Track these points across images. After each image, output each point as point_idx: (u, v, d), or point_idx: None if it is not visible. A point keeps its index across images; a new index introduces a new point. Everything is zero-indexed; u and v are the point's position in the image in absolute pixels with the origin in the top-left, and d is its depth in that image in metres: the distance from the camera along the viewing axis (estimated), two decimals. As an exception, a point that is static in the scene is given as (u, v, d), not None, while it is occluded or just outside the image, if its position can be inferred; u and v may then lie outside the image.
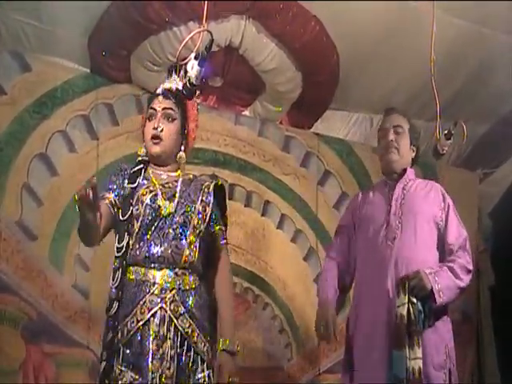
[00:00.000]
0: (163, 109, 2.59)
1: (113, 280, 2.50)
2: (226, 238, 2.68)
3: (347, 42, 4.42)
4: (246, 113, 4.83)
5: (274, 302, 4.71)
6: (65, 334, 3.96)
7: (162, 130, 2.57)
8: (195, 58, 2.64)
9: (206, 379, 2.48)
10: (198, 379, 2.46)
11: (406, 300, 2.86)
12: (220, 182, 2.72)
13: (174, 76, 2.65)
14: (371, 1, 4.03)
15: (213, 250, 2.65)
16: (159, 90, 2.64)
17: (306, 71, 4.55)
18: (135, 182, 2.55)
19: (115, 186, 2.58)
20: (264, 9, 4.13)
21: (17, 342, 3.83)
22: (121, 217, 2.51)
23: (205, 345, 2.48)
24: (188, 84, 2.62)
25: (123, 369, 2.39)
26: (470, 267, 3.03)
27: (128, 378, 2.38)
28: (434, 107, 3.37)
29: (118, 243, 2.50)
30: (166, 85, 2.65)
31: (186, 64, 2.68)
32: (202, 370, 2.47)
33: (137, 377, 2.38)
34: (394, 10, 4.18)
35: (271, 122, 4.89)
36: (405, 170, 3.16)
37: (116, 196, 2.56)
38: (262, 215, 4.77)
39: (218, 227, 2.64)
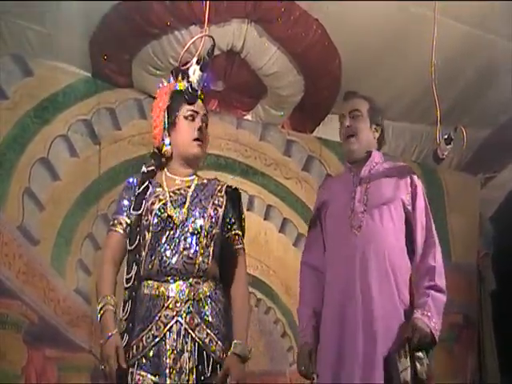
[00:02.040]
0: (203, 115, 2.58)
1: (123, 311, 2.42)
2: (242, 243, 2.61)
3: (349, 46, 4.42)
4: (248, 117, 4.83)
5: (276, 306, 4.71)
6: (67, 338, 3.96)
7: (203, 134, 2.57)
8: (197, 62, 2.63)
9: None
10: None
11: (409, 363, 2.65)
12: (234, 186, 2.65)
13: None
14: (374, 1, 4.02)
15: (229, 256, 2.57)
16: (192, 98, 2.58)
17: (308, 75, 4.55)
18: (140, 208, 2.47)
19: (126, 206, 2.51)
20: (266, 13, 4.13)
21: (19, 347, 3.84)
22: (128, 246, 2.46)
23: (224, 352, 2.43)
24: (190, 89, 2.61)
25: (143, 373, 2.36)
26: (440, 258, 2.84)
27: (148, 381, 2.35)
28: (436, 112, 3.36)
29: (127, 273, 2.44)
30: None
31: (187, 69, 2.67)
32: None
33: (157, 380, 2.35)
34: (397, 14, 4.18)
35: (273, 126, 4.89)
36: (370, 154, 2.96)
37: (128, 217, 2.50)
38: (264, 219, 4.78)
39: (233, 232, 2.58)
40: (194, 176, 2.59)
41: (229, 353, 2.43)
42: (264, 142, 4.83)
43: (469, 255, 5.56)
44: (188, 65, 2.66)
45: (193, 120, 2.56)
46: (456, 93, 4.72)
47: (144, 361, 2.37)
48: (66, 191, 4.07)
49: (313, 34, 4.29)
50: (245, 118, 4.81)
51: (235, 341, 2.45)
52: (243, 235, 2.63)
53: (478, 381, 5.42)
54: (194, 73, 2.62)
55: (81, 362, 3.96)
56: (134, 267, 2.43)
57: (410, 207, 2.88)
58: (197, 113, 2.56)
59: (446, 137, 3.18)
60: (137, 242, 2.44)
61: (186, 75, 2.62)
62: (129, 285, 2.42)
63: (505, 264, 5.36)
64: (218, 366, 2.40)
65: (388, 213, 2.84)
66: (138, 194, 2.51)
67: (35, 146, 4.04)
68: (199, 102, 2.58)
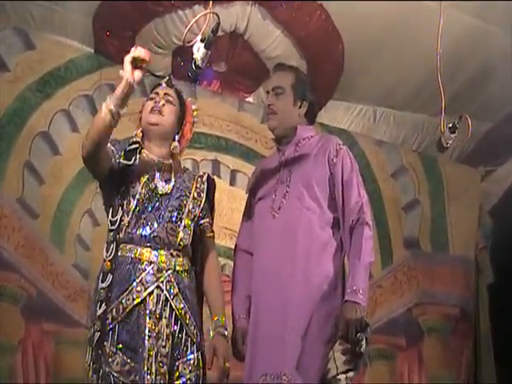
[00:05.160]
0: (165, 94, 2.68)
1: (107, 252, 2.48)
2: (212, 231, 2.72)
3: (353, 33, 4.42)
4: (250, 99, 4.84)
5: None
6: (64, 312, 3.97)
7: (163, 105, 2.64)
8: (201, 40, 2.63)
9: (197, 361, 2.49)
10: (189, 360, 2.48)
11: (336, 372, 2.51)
12: (212, 177, 2.76)
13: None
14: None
15: (200, 242, 2.67)
16: (163, 81, 2.73)
17: (311, 60, 4.54)
18: (130, 160, 2.53)
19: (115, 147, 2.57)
20: (270, -5, 4.15)
21: (16, 320, 3.84)
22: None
23: (195, 327, 2.51)
24: (193, 66, 2.62)
25: (114, 350, 2.38)
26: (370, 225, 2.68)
27: (120, 360, 2.38)
28: (439, 101, 3.34)
29: (112, 217, 2.50)
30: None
31: (191, 46, 2.67)
32: (192, 352, 2.49)
33: (129, 360, 2.38)
34: (400, 2, 4.18)
35: (275, 110, 4.88)
36: (295, 130, 2.86)
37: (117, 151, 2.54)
38: (264, 201, 4.77)
39: (206, 220, 2.68)
40: (169, 160, 2.65)
41: (211, 332, 2.55)
42: (265, 124, 4.80)
43: (467, 248, 5.54)
44: (192, 42, 2.67)
45: (153, 99, 2.67)
46: (458, 84, 4.70)
47: (122, 330, 2.38)
48: (66, 166, 4.07)
49: (317, 18, 4.30)
50: (246, 100, 4.82)
51: (216, 319, 2.57)
52: (212, 223, 2.73)
53: (474, 373, 5.42)
54: (199, 50, 2.62)
55: (78, 337, 3.93)
56: (120, 211, 2.48)
57: (332, 181, 2.76)
58: (157, 93, 2.68)
59: (450, 125, 3.18)
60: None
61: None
62: (114, 227, 2.47)
63: (503, 257, 5.36)
64: (190, 339, 2.48)
65: (309, 191, 2.75)
66: (129, 150, 2.55)
67: (36, 120, 4.05)
68: (164, 85, 2.69)
